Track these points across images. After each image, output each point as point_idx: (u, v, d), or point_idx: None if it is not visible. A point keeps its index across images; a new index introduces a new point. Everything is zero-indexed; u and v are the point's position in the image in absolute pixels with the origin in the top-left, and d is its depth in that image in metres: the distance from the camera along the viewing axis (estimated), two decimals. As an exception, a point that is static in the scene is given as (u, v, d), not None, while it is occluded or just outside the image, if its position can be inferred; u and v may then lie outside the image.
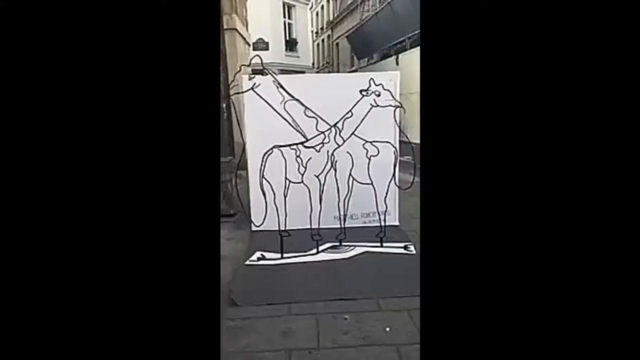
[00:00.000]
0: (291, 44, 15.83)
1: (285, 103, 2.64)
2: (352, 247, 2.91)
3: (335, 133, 2.82)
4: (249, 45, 7.99)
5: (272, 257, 2.77)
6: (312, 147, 2.73)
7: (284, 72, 12.28)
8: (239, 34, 6.85)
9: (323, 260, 2.72)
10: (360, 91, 2.80)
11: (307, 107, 2.67)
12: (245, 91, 2.20)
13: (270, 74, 2.51)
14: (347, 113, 2.84)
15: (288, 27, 15.85)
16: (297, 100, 2.67)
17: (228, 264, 2.75)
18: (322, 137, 2.74)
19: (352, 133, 2.93)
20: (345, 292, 2.22)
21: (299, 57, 15.69)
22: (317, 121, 2.69)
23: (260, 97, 2.37)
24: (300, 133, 2.65)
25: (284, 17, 15.61)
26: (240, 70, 2.26)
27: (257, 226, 2.91)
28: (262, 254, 2.83)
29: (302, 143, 2.74)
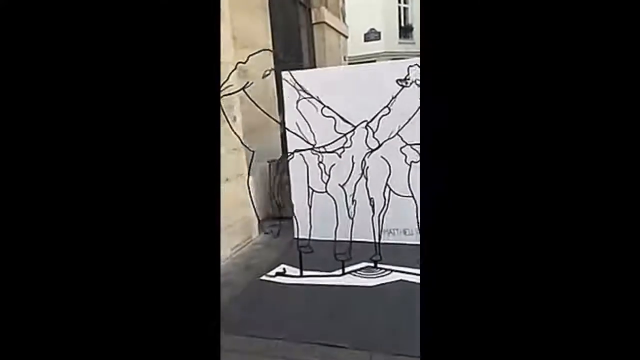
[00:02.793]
0: (406, 30, 14.86)
1: (298, 102, 2.29)
2: (386, 272, 2.42)
3: (367, 134, 2.34)
4: (345, 37, 7.69)
5: (292, 274, 2.49)
6: (333, 151, 2.32)
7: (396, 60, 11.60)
8: (329, 26, 6.63)
9: (344, 286, 2.31)
10: (397, 81, 2.25)
11: (324, 105, 2.26)
12: (236, 91, 1.94)
13: (289, 72, 2.20)
14: (383, 109, 2.33)
15: (403, 12, 14.92)
16: (314, 98, 2.28)
17: (246, 276, 2.58)
18: (342, 139, 2.29)
19: (396, 133, 2.41)
20: (340, 335, 1.80)
21: (414, 43, 14.61)
22: (335, 121, 2.26)
23: (251, 99, 2.08)
24: (302, 138, 2.25)
25: (399, 2, 14.73)
26: (235, 68, 2.00)
27: (274, 235, 2.65)
28: (284, 268, 2.57)
29: (323, 146, 2.36)
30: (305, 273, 2.49)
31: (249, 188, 2.32)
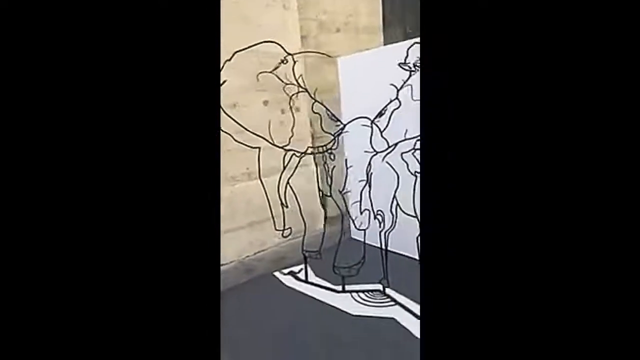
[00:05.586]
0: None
1: (292, 98, 2.03)
2: (388, 303, 1.98)
3: (372, 133, 1.91)
4: None
5: (300, 278, 2.37)
6: (324, 152, 1.99)
7: None
8: None
9: (329, 305, 2.03)
10: (400, 65, 1.72)
11: (315, 100, 1.94)
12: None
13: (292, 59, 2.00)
14: (391, 103, 1.84)
15: None
16: (306, 91, 1.99)
17: (268, 268, 2.60)
18: (337, 139, 1.93)
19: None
20: None
21: None
22: (321, 118, 1.90)
23: (236, 123, 1.95)
24: (258, 135, 1.95)
25: None
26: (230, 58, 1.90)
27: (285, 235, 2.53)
28: (301, 269, 2.47)
29: (330, 146, 2.05)
30: (314, 280, 2.33)
31: (279, 184, 2.28)
